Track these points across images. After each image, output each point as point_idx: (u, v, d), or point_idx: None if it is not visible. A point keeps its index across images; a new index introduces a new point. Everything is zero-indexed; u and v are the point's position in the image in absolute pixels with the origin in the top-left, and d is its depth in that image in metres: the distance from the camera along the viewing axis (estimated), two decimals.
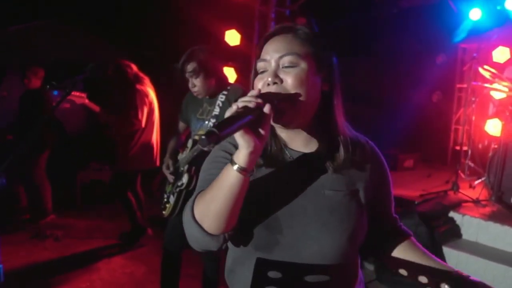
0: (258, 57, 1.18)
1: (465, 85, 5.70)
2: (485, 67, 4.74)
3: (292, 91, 1.10)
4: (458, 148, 5.71)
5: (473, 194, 4.59)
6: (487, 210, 4.24)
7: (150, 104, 4.25)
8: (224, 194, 1.04)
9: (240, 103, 1.00)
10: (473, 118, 5.06)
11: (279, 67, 1.13)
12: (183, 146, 3.01)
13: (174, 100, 3.28)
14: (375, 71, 6.96)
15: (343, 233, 1.12)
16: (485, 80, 4.79)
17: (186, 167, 2.81)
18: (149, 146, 4.32)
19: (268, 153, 1.19)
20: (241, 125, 0.97)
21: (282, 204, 1.15)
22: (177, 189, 2.82)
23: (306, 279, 1.10)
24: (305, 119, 1.16)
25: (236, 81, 5.90)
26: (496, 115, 5.23)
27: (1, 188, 2.03)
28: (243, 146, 1.01)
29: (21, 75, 5.11)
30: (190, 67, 2.70)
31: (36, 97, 4.92)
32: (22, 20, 8.27)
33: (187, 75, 2.73)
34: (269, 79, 1.12)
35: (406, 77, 6.76)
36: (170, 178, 2.94)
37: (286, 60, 1.13)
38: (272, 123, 1.10)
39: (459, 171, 4.89)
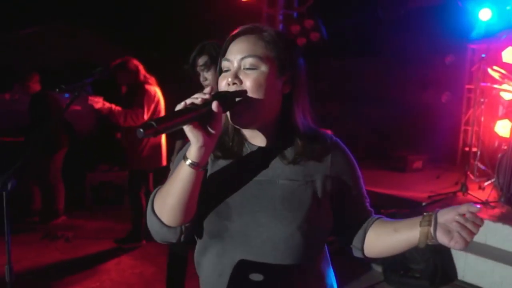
0: (223, 55, 1.20)
1: (474, 86, 5.67)
2: (495, 67, 4.72)
3: (250, 93, 1.12)
4: (467, 149, 5.68)
5: (482, 195, 4.57)
6: (496, 211, 4.22)
7: (158, 103, 4.29)
8: (178, 188, 1.10)
9: (189, 99, 1.03)
10: (482, 119, 5.03)
11: (241, 68, 1.15)
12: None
13: (182, 99, 3.29)
14: (384, 72, 6.94)
15: (292, 221, 1.13)
16: (494, 81, 4.77)
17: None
18: (158, 145, 4.37)
19: (228, 146, 1.23)
20: (183, 120, 1.00)
21: (235, 192, 1.19)
22: None
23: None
24: (265, 120, 1.18)
25: None
26: (505, 116, 5.20)
27: (12, 190, 2.07)
28: (192, 141, 1.05)
29: (22, 82, 5.21)
30: (201, 60, 2.70)
31: (40, 100, 5.00)
32: (32, 23, 8.36)
33: (198, 68, 2.72)
34: (229, 79, 1.14)
35: (414, 77, 6.73)
36: None
37: (247, 62, 1.14)
38: (232, 124, 1.17)
39: (468, 172, 4.88)
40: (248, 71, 1.14)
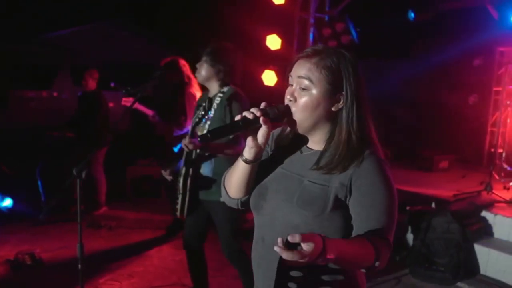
0: (290, 70, 1.45)
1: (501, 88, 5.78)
2: None
3: (298, 111, 1.39)
4: (493, 150, 5.80)
5: (507, 195, 4.72)
6: None
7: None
8: (236, 174, 1.50)
9: (245, 112, 1.35)
10: (508, 121, 5.16)
11: (297, 86, 1.39)
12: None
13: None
14: (413, 73, 7.07)
15: (301, 215, 1.37)
16: None
17: (183, 170, 2.91)
18: None
19: (285, 141, 1.55)
20: (233, 132, 1.38)
21: (274, 180, 1.49)
22: (180, 192, 2.94)
23: None
24: (314, 128, 1.42)
25: (276, 83, 6.15)
26: None
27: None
28: (247, 144, 1.42)
29: (76, 77, 5.49)
30: (204, 51, 2.88)
31: (93, 99, 5.31)
32: (71, 24, 8.72)
33: (201, 56, 2.88)
34: (288, 96, 1.41)
35: (443, 79, 6.86)
36: (168, 177, 3.15)
37: (302, 83, 1.38)
38: (288, 125, 1.46)
39: (494, 173, 5.02)
40: (302, 92, 1.38)
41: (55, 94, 9.72)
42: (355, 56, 1.44)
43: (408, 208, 4.61)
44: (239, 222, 3.02)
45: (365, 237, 1.28)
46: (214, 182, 2.84)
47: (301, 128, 1.41)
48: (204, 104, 2.86)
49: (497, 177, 5.20)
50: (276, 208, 1.43)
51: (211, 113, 2.83)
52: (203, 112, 2.81)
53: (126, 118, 7.22)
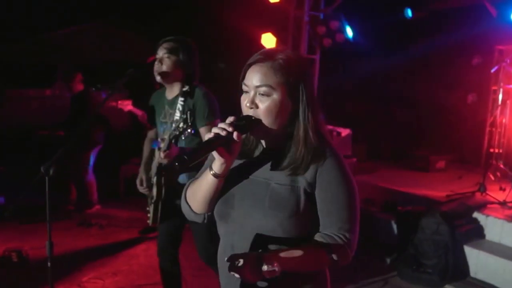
0: (242, 79, 1.42)
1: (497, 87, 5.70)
2: None
3: (262, 117, 1.38)
4: (492, 150, 5.71)
5: (501, 196, 4.63)
6: None
7: None
8: (203, 189, 1.45)
9: (215, 129, 1.33)
10: (504, 120, 5.08)
11: (256, 94, 1.38)
12: (153, 155, 2.95)
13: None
14: (410, 72, 7.02)
15: (275, 218, 1.37)
16: None
17: (154, 179, 2.78)
18: None
19: (246, 150, 1.51)
20: (209, 150, 1.34)
21: (239, 187, 1.46)
22: (152, 200, 2.82)
23: None
24: (275, 133, 1.41)
25: None
26: None
27: (53, 175, 2.36)
28: (217, 159, 1.38)
29: (66, 82, 5.51)
30: (167, 45, 2.69)
31: (81, 99, 5.31)
32: (72, 23, 8.76)
33: (161, 51, 2.68)
34: (247, 104, 1.39)
35: (441, 78, 6.78)
36: (145, 192, 2.94)
37: (261, 90, 1.36)
38: (250, 134, 1.44)
39: (489, 173, 4.94)
40: (263, 97, 1.37)
41: (57, 92, 9.79)
42: (303, 56, 1.47)
43: (399, 208, 4.56)
44: (215, 225, 2.95)
45: (316, 240, 1.38)
46: None
47: (265, 134, 1.41)
48: (166, 107, 2.77)
49: (492, 178, 5.12)
50: (245, 215, 1.42)
51: (177, 115, 2.66)
52: (183, 125, 2.48)
53: (125, 118, 7.22)
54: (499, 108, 5.30)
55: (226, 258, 1.23)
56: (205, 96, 2.72)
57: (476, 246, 4.03)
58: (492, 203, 4.48)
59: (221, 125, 1.34)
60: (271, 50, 1.45)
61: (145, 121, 4.31)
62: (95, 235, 4.79)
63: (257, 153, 1.50)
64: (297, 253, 1.31)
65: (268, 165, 1.44)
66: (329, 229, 1.38)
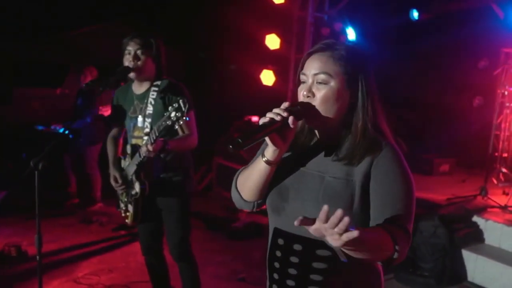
0: (301, 68, 1.42)
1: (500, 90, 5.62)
2: None
3: (318, 104, 1.36)
4: (497, 154, 5.64)
5: (503, 200, 4.57)
6: None
7: None
8: (255, 176, 1.43)
9: (270, 114, 1.31)
10: (507, 124, 5.02)
11: (314, 82, 1.37)
12: (123, 152, 2.93)
13: (222, 100, 3.33)
14: (415, 75, 6.96)
15: (329, 214, 1.30)
16: None
17: (134, 175, 2.73)
18: None
19: (301, 141, 1.49)
20: (263, 136, 1.29)
21: (294, 179, 1.44)
22: (133, 198, 2.78)
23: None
24: (331, 123, 1.39)
25: (275, 83, 6.12)
26: None
27: (42, 170, 2.39)
28: (270, 145, 1.36)
29: (79, 74, 5.57)
30: (139, 40, 2.65)
31: (83, 95, 5.35)
32: (84, 23, 8.85)
33: (132, 47, 2.65)
34: (304, 92, 1.38)
35: (447, 81, 6.72)
36: (120, 190, 2.89)
37: (319, 78, 1.36)
38: (305, 122, 1.43)
39: (492, 177, 4.88)
40: (320, 86, 1.36)
41: (66, 91, 9.92)
42: (365, 49, 1.46)
43: None
44: (189, 219, 2.93)
45: (381, 226, 1.26)
46: (169, 180, 2.75)
47: (322, 123, 1.38)
48: (135, 101, 2.75)
49: (495, 182, 5.06)
50: (299, 209, 1.39)
51: (149, 109, 2.66)
52: (176, 114, 2.28)
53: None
54: (504, 111, 5.23)
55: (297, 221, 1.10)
56: (179, 88, 2.72)
57: (474, 250, 3.98)
58: (493, 207, 4.43)
59: (276, 110, 1.31)
60: (332, 41, 1.43)
61: None
62: (95, 232, 4.83)
63: (311, 145, 1.48)
64: (374, 232, 1.21)
65: (323, 158, 1.42)
66: (390, 221, 1.29)
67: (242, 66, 7.13)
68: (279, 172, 1.45)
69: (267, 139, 1.32)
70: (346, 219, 1.02)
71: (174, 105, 2.18)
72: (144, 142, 2.58)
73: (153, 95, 2.68)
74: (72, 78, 9.66)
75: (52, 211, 5.14)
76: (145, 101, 2.71)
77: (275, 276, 1.46)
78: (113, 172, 2.89)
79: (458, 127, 6.58)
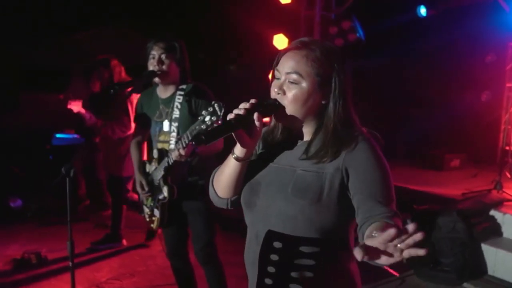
0: (276, 64, 1.43)
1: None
2: None
3: (287, 104, 1.37)
4: (507, 148, 5.67)
5: None
6: None
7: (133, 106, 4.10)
8: (226, 172, 1.47)
9: (235, 110, 1.33)
10: None
11: (286, 80, 1.38)
12: (149, 157, 2.93)
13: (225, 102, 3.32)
14: (424, 71, 6.97)
15: (297, 205, 1.35)
16: None
17: (162, 179, 2.73)
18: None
19: (274, 136, 1.51)
20: (228, 132, 1.31)
21: (266, 175, 1.46)
22: (160, 203, 2.78)
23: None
24: (303, 120, 1.41)
25: None
26: None
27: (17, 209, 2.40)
28: (238, 142, 1.38)
29: (87, 77, 5.52)
30: (163, 44, 2.67)
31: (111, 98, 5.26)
32: (86, 27, 8.83)
33: (157, 51, 2.67)
34: (275, 89, 1.39)
35: (454, 76, 6.74)
36: (145, 197, 2.89)
37: (291, 77, 1.36)
38: (274, 120, 1.45)
39: (505, 171, 4.90)
40: (291, 85, 1.36)
41: (70, 95, 9.89)
42: (340, 48, 1.45)
43: (414, 207, 4.53)
44: (214, 222, 2.95)
45: (385, 221, 1.24)
46: (194, 184, 2.76)
47: (290, 122, 1.40)
48: (161, 106, 2.75)
49: (508, 175, 5.07)
50: (270, 202, 1.41)
51: (176, 113, 2.67)
52: (211, 118, 2.19)
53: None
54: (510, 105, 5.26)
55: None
56: (205, 93, 2.73)
57: (493, 244, 3.99)
58: (509, 200, 4.44)
59: (242, 105, 1.34)
60: (309, 39, 1.43)
61: (92, 125, 4.13)
62: None
63: (286, 142, 1.49)
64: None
65: (295, 154, 1.43)
66: (377, 210, 1.28)
67: (250, 67, 7.16)
68: (253, 169, 1.47)
69: (234, 135, 1.34)
70: (419, 235, 0.99)
71: (208, 109, 2.17)
72: (174, 146, 2.59)
73: (179, 99, 2.69)
74: (76, 81, 9.67)
75: (65, 216, 5.12)
76: (171, 105, 2.72)
77: (250, 271, 1.49)
78: (139, 178, 2.90)
79: (467, 122, 6.61)
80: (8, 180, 5.82)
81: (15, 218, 5.15)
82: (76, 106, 4.01)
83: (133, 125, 4.05)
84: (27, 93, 7.74)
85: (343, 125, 1.38)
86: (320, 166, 1.36)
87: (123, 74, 4.34)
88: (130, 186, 4.54)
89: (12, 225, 4.97)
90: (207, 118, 2.19)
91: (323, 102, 1.39)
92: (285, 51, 1.41)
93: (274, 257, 1.39)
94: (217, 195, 1.54)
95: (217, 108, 2.14)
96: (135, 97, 4.02)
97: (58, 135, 5.70)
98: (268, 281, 1.41)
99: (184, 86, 2.73)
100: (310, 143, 1.41)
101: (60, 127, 5.94)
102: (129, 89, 3.82)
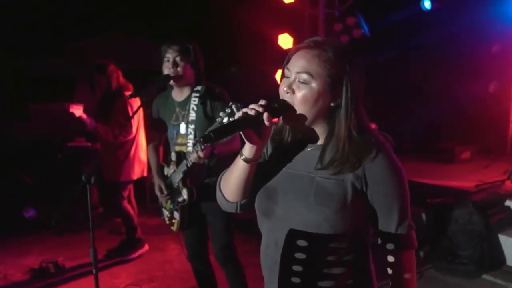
0: (287, 62, 1.40)
1: None
2: None
3: (297, 104, 1.34)
4: None
5: None
6: None
7: (139, 111, 4.11)
8: (235, 175, 1.43)
9: (245, 109, 1.31)
10: None
11: (296, 80, 1.34)
12: (167, 160, 2.93)
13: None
14: (430, 63, 6.96)
15: (321, 213, 1.33)
16: None
17: (180, 182, 2.74)
18: (138, 158, 4.37)
19: (284, 141, 1.49)
20: (235, 131, 1.29)
21: (282, 181, 1.43)
22: (179, 205, 2.79)
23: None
24: (313, 123, 1.38)
25: None
26: None
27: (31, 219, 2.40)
28: (246, 142, 1.34)
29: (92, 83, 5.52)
30: (177, 47, 2.67)
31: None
32: (89, 34, 8.87)
33: (171, 54, 2.67)
34: (285, 88, 1.35)
35: (461, 68, 6.71)
36: (165, 200, 2.91)
37: (301, 77, 1.33)
38: (283, 121, 1.40)
39: None
40: (301, 85, 1.32)
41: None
42: (354, 50, 1.43)
43: (428, 201, 4.52)
44: (233, 223, 2.94)
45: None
46: (213, 185, 2.76)
47: (299, 124, 1.36)
48: (177, 109, 2.76)
49: None
50: (290, 210, 1.38)
51: (192, 115, 2.68)
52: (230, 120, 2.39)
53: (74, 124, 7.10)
54: None
55: None
56: (220, 94, 2.73)
57: (510, 234, 3.98)
58: None
59: (252, 105, 1.31)
60: (323, 39, 1.39)
61: (92, 129, 4.08)
62: None
63: (295, 145, 1.45)
64: None
65: (308, 159, 1.40)
66: (392, 227, 1.36)
67: (255, 67, 7.16)
68: (265, 173, 1.44)
69: (242, 135, 1.32)
70: None
71: (226, 110, 2.18)
72: (191, 148, 2.59)
73: (194, 101, 2.69)
74: (80, 89, 9.70)
75: (82, 225, 5.15)
76: (187, 107, 2.72)
77: (267, 275, 1.49)
78: (157, 181, 2.92)
79: (475, 114, 6.59)
80: (21, 190, 5.84)
81: (29, 228, 5.16)
82: (77, 110, 3.99)
83: (134, 129, 4.12)
84: (35, 102, 7.77)
85: (357, 131, 1.35)
86: (338, 173, 1.34)
87: (121, 78, 4.29)
88: (125, 193, 4.51)
89: (26, 235, 4.99)
90: (225, 120, 2.19)
91: (332, 104, 1.35)
92: (296, 49, 1.38)
93: (300, 255, 1.38)
94: (225, 199, 1.49)
95: (235, 109, 2.14)
96: (135, 101, 4.09)
97: (69, 145, 5.71)
98: (295, 279, 1.40)
99: (199, 88, 2.74)
100: (323, 149, 1.38)
101: (71, 135, 5.94)
102: (128, 93, 3.96)
